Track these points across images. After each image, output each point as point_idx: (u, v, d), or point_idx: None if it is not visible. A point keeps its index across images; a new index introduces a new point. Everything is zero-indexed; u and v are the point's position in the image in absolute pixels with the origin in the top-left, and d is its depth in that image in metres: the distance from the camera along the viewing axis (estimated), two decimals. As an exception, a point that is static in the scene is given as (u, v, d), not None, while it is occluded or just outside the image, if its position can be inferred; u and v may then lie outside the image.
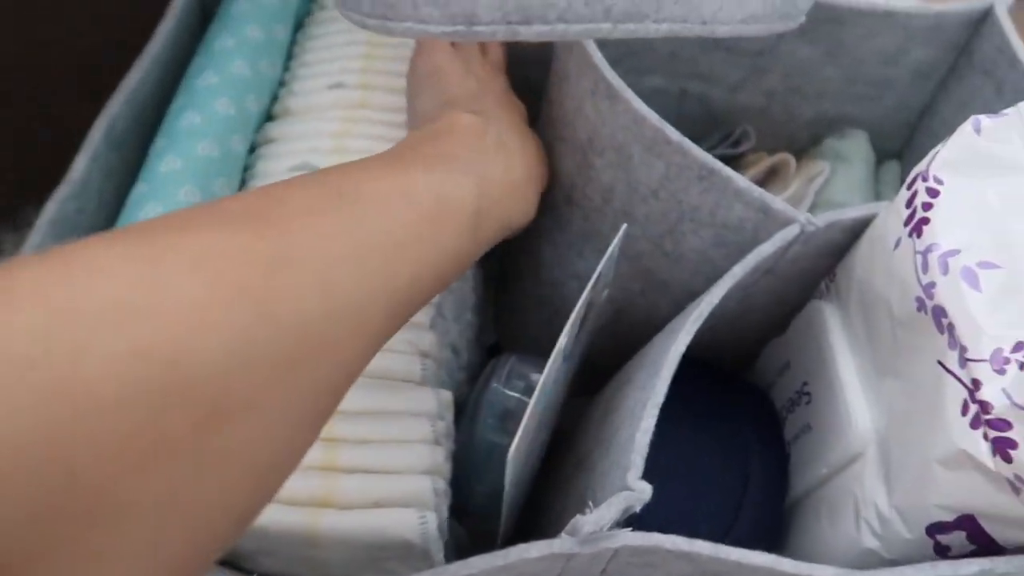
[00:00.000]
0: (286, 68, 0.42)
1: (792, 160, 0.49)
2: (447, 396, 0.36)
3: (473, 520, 0.41)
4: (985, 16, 0.44)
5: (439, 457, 0.34)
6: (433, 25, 0.23)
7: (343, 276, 0.23)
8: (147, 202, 0.35)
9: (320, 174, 0.26)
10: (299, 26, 0.44)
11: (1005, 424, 0.25)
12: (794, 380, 0.40)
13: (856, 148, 0.50)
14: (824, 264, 0.38)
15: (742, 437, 0.40)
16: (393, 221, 0.25)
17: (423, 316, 0.37)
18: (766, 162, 0.50)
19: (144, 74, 0.38)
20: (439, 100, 0.36)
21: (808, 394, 0.38)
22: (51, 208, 0.33)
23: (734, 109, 0.52)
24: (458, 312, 0.42)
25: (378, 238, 0.24)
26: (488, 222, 0.31)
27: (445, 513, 0.34)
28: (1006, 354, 0.26)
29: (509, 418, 0.37)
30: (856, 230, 0.35)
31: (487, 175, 0.31)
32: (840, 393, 0.35)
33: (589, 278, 0.34)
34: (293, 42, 0.43)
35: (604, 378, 0.44)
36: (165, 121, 0.38)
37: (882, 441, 0.33)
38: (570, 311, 0.33)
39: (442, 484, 0.34)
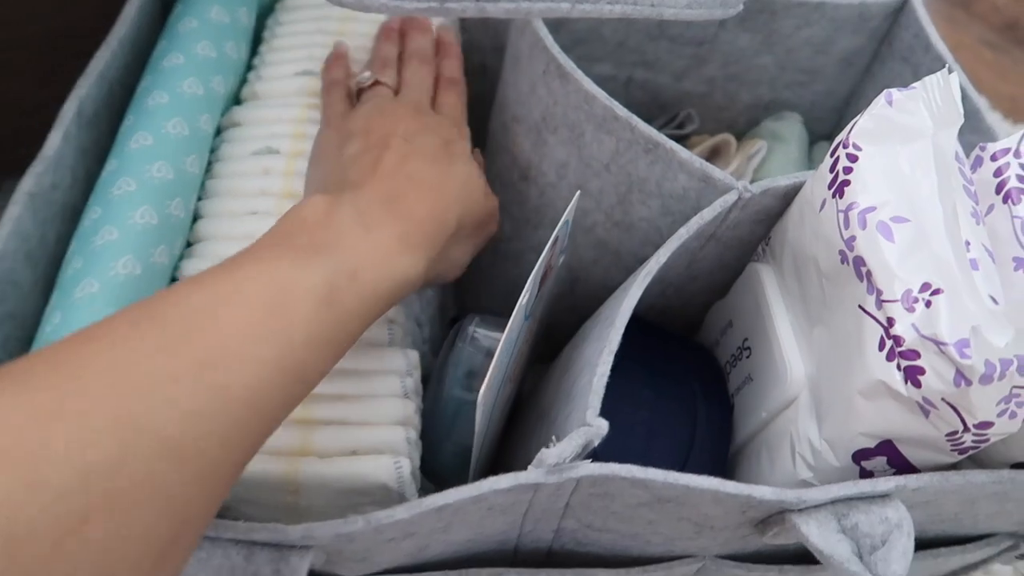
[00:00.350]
0: (255, 53, 0.44)
1: (733, 140, 0.53)
2: (414, 356, 0.38)
3: (441, 481, 0.43)
4: (903, 6, 0.49)
5: (409, 410, 0.36)
6: (407, 2, 0.26)
7: (145, 409, 0.22)
8: (119, 177, 0.36)
9: (137, 305, 0.25)
10: (265, 12, 0.46)
11: (914, 354, 0.29)
12: (736, 337, 0.43)
13: (791, 129, 0.54)
14: (760, 230, 0.41)
15: (690, 390, 0.43)
16: (208, 334, 0.24)
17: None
18: (709, 142, 0.53)
19: (111, 55, 0.40)
20: (311, 186, 0.37)
21: (748, 349, 0.41)
22: (27, 182, 0.35)
23: (678, 95, 0.55)
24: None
25: (187, 358, 0.23)
26: (353, 296, 0.29)
27: (417, 462, 0.36)
28: (915, 294, 0.30)
29: (474, 376, 0.40)
30: (788, 196, 0.38)
31: (345, 251, 0.30)
32: (776, 345, 0.38)
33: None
34: (262, 27, 0.45)
35: (562, 346, 0.47)
36: (134, 101, 0.39)
37: (813, 384, 0.36)
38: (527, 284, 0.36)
39: (413, 434, 0.36)
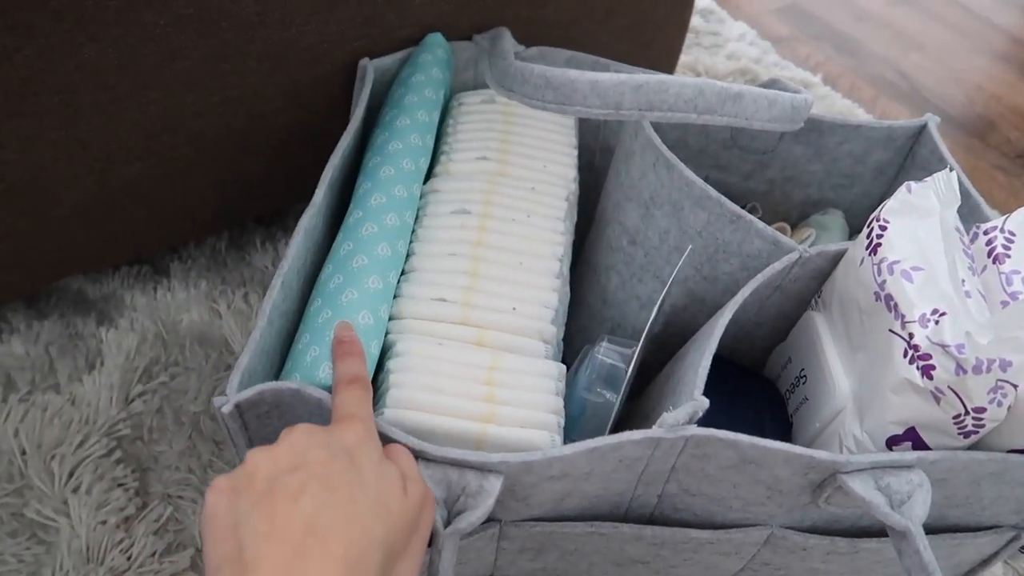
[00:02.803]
0: (444, 143, 0.60)
1: (788, 227, 0.67)
2: (563, 368, 0.51)
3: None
4: (922, 129, 0.64)
5: (559, 404, 0.49)
6: (596, 109, 0.41)
7: None
8: (363, 224, 0.51)
9: None
10: (443, 114, 0.63)
11: (928, 356, 0.42)
12: (794, 369, 0.56)
13: (834, 222, 0.68)
14: (814, 286, 0.55)
15: (757, 413, 0.56)
16: None
17: (547, 312, 0.52)
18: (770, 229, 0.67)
19: (350, 139, 0.56)
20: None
21: (804, 376, 0.54)
22: (304, 220, 0.50)
23: (745, 191, 0.70)
24: (561, 322, 0.57)
25: None
26: None
27: (562, 440, 0.49)
28: (928, 317, 0.43)
29: (599, 383, 0.53)
30: (836, 258, 0.52)
31: None
32: (828, 370, 0.51)
33: (647, 299, 0.50)
34: (445, 126, 0.61)
35: (649, 381, 0.60)
36: (367, 171, 0.55)
37: (856, 396, 0.49)
38: (629, 326, 0.49)
39: (562, 420, 0.49)
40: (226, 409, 0.41)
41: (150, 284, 0.73)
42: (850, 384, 0.49)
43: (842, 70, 1.16)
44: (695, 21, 1.15)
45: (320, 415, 0.43)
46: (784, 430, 0.55)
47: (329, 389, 0.44)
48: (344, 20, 0.61)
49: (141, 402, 0.65)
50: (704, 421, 0.53)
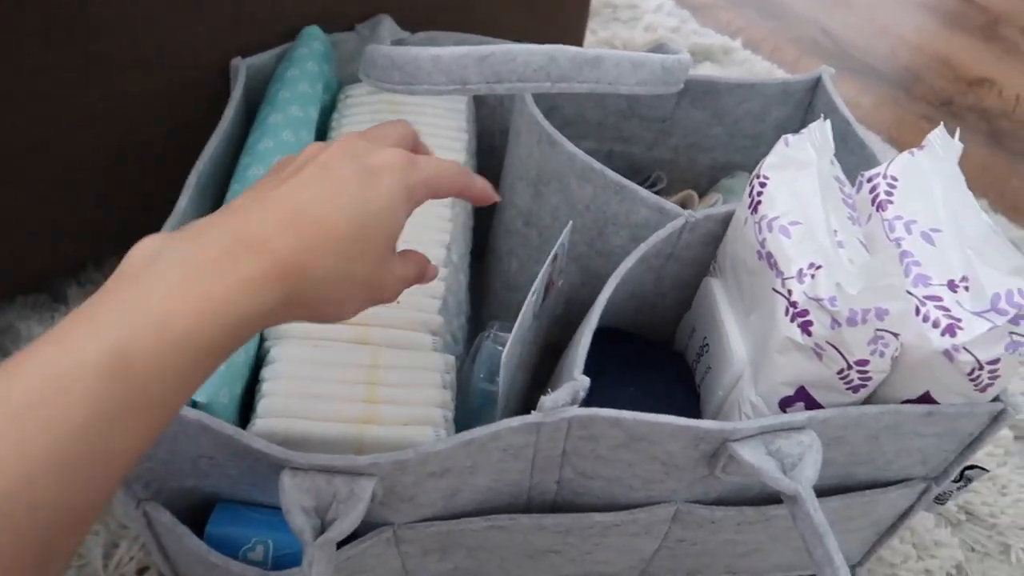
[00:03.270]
0: (328, 138, 0.58)
1: (695, 195, 0.65)
2: (451, 359, 0.50)
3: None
4: (817, 82, 0.62)
5: (447, 397, 0.47)
6: (442, 86, 0.39)
7: None
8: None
9: None
10: (326, 109, 0.61)
11: (806, 312, 0.40)
12: (698, 339, 0.54)
13: (741, 184, 0.66)
14: (709, 251, 0.53)
15: (664, 385, 0.54)
16: None
17: (433, 303, 0.50)
18: (675, 197, 0.66)
19: (218, 141, 0.54)
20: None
21: (707, 345, 0.53)
22: (166, 228, 0.47)
23: (650, 161, 0.68)
24: (456, 311, 0.56)
25: None
26: (153, 359, 0.27)
27: (452, 433, 0.47)
28: (804, 271, 0.41)
29: (495, 372, 0.51)
30: (725, 221, 0.50)
31: (150, 306, 0.28)
32: (726, 338, 0.49)
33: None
34: (331, 120, 0.59)
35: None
36: (236, 172, 0.53)
37: (752, 360, 0.47)
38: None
39: (449, 414, 0.47)
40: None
41: (48, 313, 0.70)
42: (746, 348, 0.48)
43: (765, 33, 1.14)
44: (613, -5, 1.13)
45: (184, 431, 0.41)
46: (693, 402, 0.53)
47: (191, 402, 0.41)
48: (213, 19, 0.59)
49: (42, 434, 0.63)
50: (610, 399, 0.51)
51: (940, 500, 0.50)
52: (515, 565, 0.52)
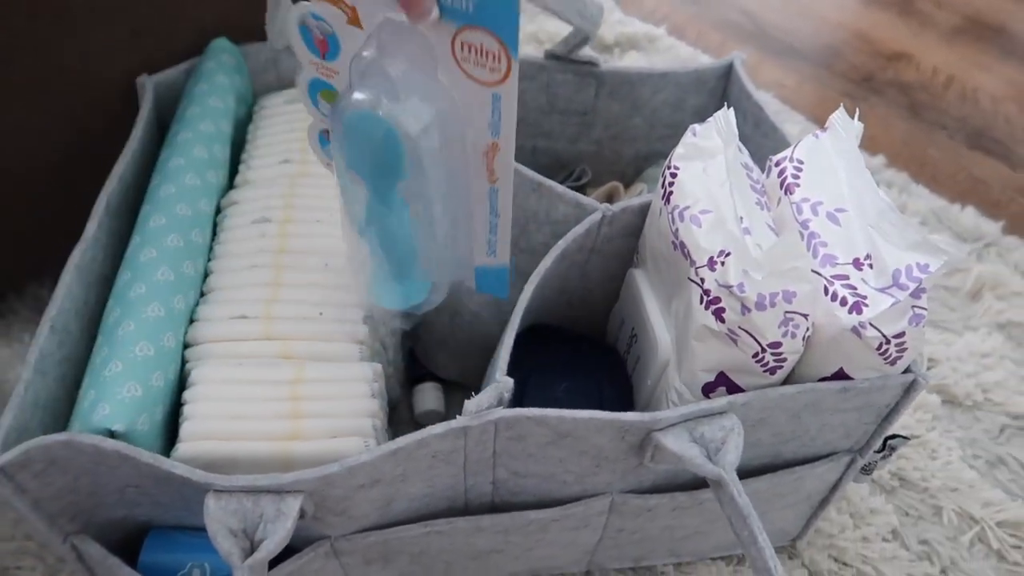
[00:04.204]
0: (244, 151, 0.57)
1: (620, 186, 0.66)
2: (379, 368, 0.49)
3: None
4: (729, 69, 0.63)
5: (375, 406, 0.47)
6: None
7: None
8: (141, 249, 0.48)
9: None
10: (240, 123, 0.60)
11: (718, 299, 0.41)
12: (627, 330, 0.55)
13: (665, 172, 0.67)
14: (631, 243, 0.53)
15: (595, 379, 0.54)
16: None
17: (358, 312, 0.50)
18: (601, 189, 0.66)
19: (126, 163, 0.52)
20: None
21: (635, 336, 0.53)
22: (75, 257, 0.46)
23: (574, 155, 0.69)
24: (385, 318, 0.55)
25: None
26: None
27: (384, 441, 0.47)
28: (715, 259, 0.42)
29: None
30: (643, 212, 0.51)
31: None
32: (651, 327, 0.50)
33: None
34: (245, 132, 0.58)
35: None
36: (148, 192, 0.52)
37: (676, 347, 0.48)
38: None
39: (379, 423, 0.47)
40: (-14, 475, 0.38)
41: (-34, 345, 0.68)
42: (671, 336, 0.49)
43: (688, 18, 1.16)
44: (537, -11, 1.13)
45: (103, 463, 0.40)
46: (625, 394, 0.54)
47: (108, 432, 0.41)
48: (108, 35, 0.57)
49: (-31, 473, 0.61)
50: (542, 398, 0.52)
51: (867, 471, 0.51)
52: (460, 568, 0.52)
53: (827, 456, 0.50)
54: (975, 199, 0.90)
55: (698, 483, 0.49)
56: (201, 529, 0.47)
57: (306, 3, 0.39)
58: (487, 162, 0.40)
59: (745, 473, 0.49)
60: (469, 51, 0.35)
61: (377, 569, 0.50)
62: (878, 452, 0.50)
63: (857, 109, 0.47)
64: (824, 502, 0.54)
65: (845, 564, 0.59)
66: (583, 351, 0.56)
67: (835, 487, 0.53)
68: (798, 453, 0.49)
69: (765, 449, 0.47)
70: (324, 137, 0.46)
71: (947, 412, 0.70)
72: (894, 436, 0.50)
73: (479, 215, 0.43)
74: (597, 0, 0.53)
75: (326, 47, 0.41)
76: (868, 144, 0.94)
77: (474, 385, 0.56)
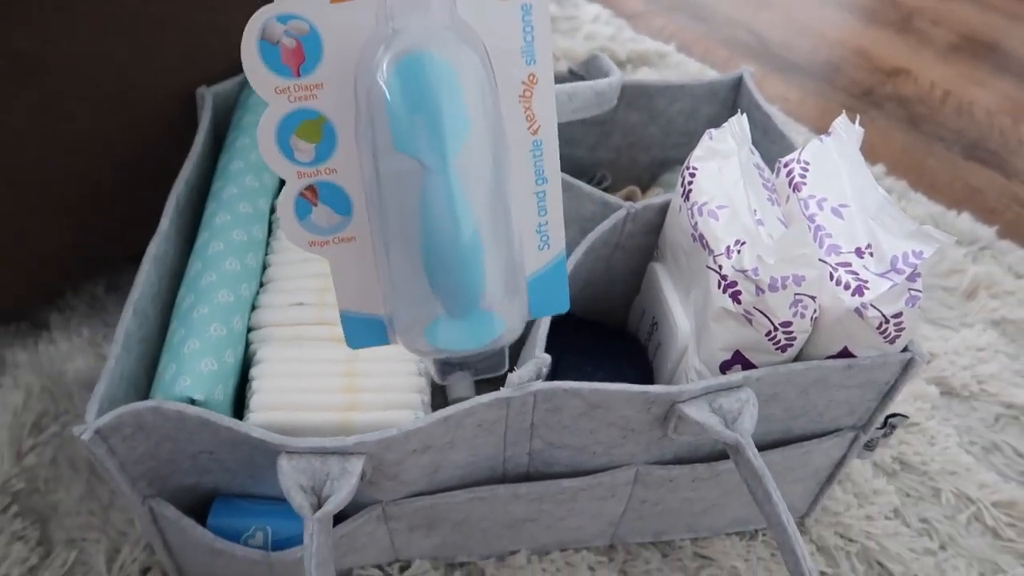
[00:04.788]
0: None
1: (637, 190, 0.71)
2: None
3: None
4: (740, 81, 0.68)
5: (423, 383, 0.52)
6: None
7: None
8: (210, 243, 0.53)
9: None
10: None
11: (734, 283, 0.46)
12: (648, 319, 0.60)
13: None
14: (652, 239, 0.58)
15: (618, 364, 0.59)
16: None
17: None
18: (621, 193, 0.71)
19: (192, 167, 0.58)
20: None
21: (656, 324, 0.58)
22: (151, 248, 0.51)
23: (594, 162, 0.74)
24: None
25: None
26: None
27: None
28: (732, 248, 0.47)
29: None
30: (663, 210, 0.56)
31: None
32: (671, 315, 0.55)
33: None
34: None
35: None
36: (212, 193, 0.57)
37: (695, 332, 0.53)
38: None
39: (426, 398, 0.52)
40: (86, 436, 0.42)
41: (30, 339, 0.73)
42: (690, 323, 0.53)
43: (696, 36, 1.21)
44: (551, 8, 1.19)
45: (184, 428, 0.45)
46: (647, 377, 0.59)
47: (189, 400, 0.45)
48: (167, 53, 0.62)
49: (34, 455, 0.65)
50: (573, 376, 0.56)
51: (869, 447, 0.56)
52: (496, 537, 0.57)
53: (833, 432, 0.54)
54: (971, 206, 0.95)
55: (715, 455, 0.53)
56: (262, 498, 0.52)
57: (267, 7, 0.32)
58: (525, 106, 0.32)
59: (759, 447, 0.53)
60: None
61: (420, 536, 0.54)
62: (880, 429, 0.54)
63: (858, 116, 0.52)
64: (830, 478, 0.59)
65: (850, 540, 0.63)
66: (606, 339, 0.61)
67: (840, 463, 0.57)
68: (807, 429, 0.53)
69: (777, 424, 0.52)
70: (304, 203, 0.35)
71: (945, 402, 0.74)
72: (895, 414, 0.54)
73: (521, 191, 0.34)
74: (613, 81, 0.57)
75: (300, 57, 0.32)
76: (869, 154, 0.99)
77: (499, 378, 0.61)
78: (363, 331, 0.39)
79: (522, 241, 0.37)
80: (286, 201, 0.35)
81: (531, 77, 0.32)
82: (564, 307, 0.40)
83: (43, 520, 0.62)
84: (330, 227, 0.36)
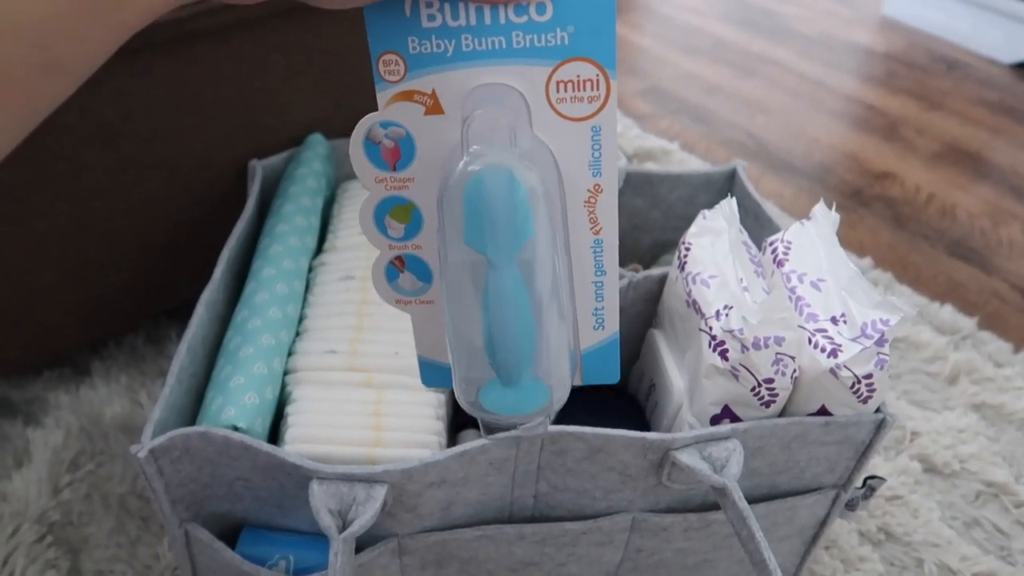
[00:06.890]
0: (331, 223, 0.69)
1: (640, 267, 0.78)
2: (443, 397, 0.59)
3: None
4: (733, 173, 0.76)
5: (440, 427, 0.57)
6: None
7: None
8: (256, 293, 0.59)
9: None
10: (327, 201, 0.73)
11: (723, 342, 0.52)
12: (647, 381, 0.65)
13: (678, 258, 0.79)
14: (651, 307, 0.65)
15: (618, 417, 0.64)
16: None
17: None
18: (625, 270, 0.78)
19: (244, 224, 0.65)
20: None
21: (654, 385, 0.63)
22: (205, 294, 0.58)
23: (601, 241, 0.81)
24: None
25: None
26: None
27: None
28: (721, 312, 0.53)
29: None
30: (661, 280, 0.62)
31: None
32: (667, 375, 0.60)
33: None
34: (332, 209, 0.71)
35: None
36: (259, 250, 0.64)
37: (688, 390, 0.58)
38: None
39: (443, 440, 0.57)
40: (141, 454, 0.48)
41: (72, 384, 0.78)
42: (685, 383, 0.59)
43: (698, 137, 1.31)
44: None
45: (227, 453, 0.50)
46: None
47: (233, 428, 0.51)
48: (230, 127, 0.71)
49: (69, 491, 0.70)
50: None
51: (851, 507, 0.60)
52: (499, 579, 0.60)
53: (816, 489, 0.59)
54: (954, 299, 1.01)
55: (706, 507, 0.58)
56: (287, 530, 0.56)
57: (372, 115, 0.37)
58: (589, 210, 0.37)
59: (748, 499, 0.57)
60: (565, 89, 0.34)
61: (430, 574, 0.58)
62: (859, 489, 0.59)
63: (834, 203, 0.59)
64: (815, 538, 0.63)
65: (836, 602, 0.67)
66: (607, 398, 0.66)
67: (824, 522, 0.61)
68: (791, 486, 0.58)
69: (763, 479, 0.57)
70: (393, 269, 0.41)
71: (928, 478, 0.78)
72: (873, 477, 0.59)
73: (582, 281, 0.40)
74: (620, 166, 0.65)
75: (397, 155, 0.38)
76: (856, 249, 1.06)
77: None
78: (435, 374, 0.46)
79: (580, 322, 0.43)
80: (378, 266, 0.42)
81: (596, 187, 0.38)
82: (615, 379, 0.45)
83: (75, 551, 0.66)
84: (413, 290, 0.43)
